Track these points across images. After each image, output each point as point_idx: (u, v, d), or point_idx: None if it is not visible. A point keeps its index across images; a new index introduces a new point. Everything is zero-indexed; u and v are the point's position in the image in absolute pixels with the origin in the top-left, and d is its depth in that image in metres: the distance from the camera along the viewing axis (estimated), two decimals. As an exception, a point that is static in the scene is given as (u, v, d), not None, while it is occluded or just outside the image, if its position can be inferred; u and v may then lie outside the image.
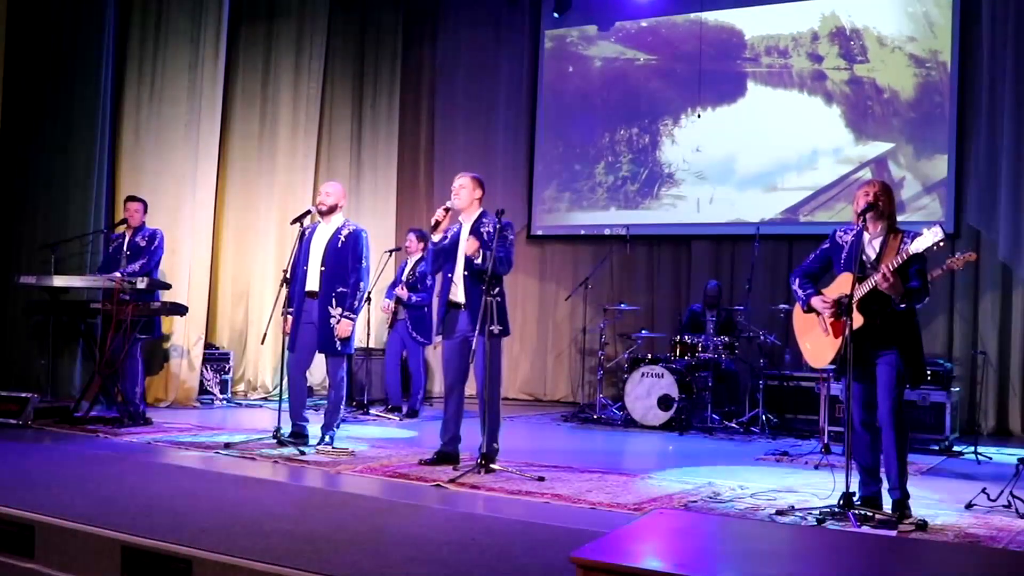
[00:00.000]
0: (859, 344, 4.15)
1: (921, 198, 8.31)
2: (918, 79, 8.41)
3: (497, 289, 5.09)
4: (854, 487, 4.17)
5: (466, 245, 5.16)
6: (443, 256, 5.32)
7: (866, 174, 8.43)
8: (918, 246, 4.00)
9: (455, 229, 5.37)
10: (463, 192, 5.33)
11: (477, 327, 4.99)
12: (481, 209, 5.37)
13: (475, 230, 5.25)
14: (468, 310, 5.19)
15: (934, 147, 8.31)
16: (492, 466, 5.00)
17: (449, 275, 5.30)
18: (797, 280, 4.53)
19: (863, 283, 4.14)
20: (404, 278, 7.81)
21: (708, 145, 9.29)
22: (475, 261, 5.08)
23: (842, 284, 4.30)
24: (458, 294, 5.24)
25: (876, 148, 8.56)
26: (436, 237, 5.29)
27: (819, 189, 8.76)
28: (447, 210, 5.28)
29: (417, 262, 7.77)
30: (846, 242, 4.37)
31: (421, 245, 7.82)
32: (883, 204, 4.24)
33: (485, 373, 5.08)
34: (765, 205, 8.97)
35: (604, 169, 9.83)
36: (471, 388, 5.36)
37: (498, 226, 5.16)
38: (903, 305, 4.09)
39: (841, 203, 8.49)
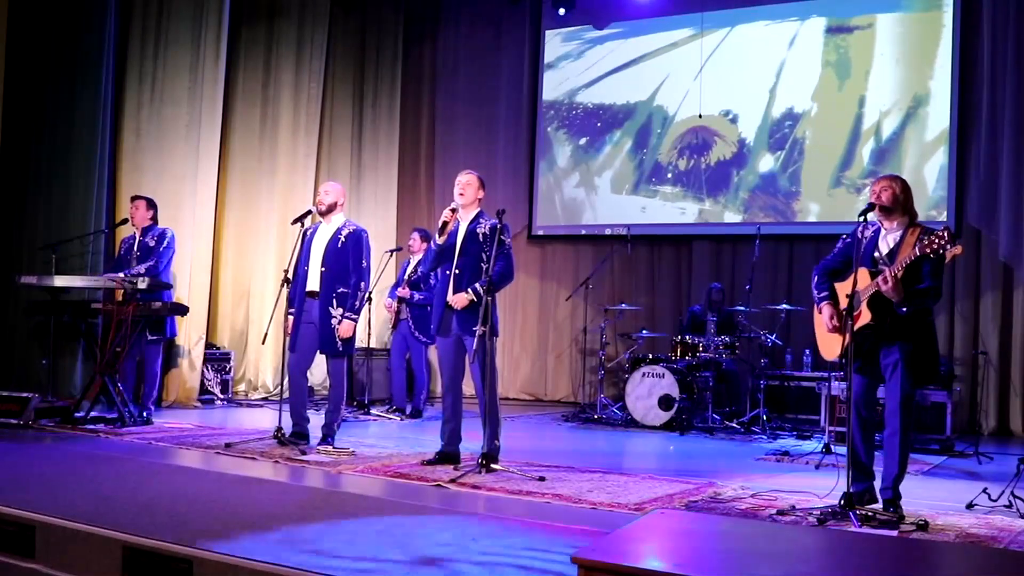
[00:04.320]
0: (869, 340, 4.14)
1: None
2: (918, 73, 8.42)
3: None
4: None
5: (456, 301, 5.16)
6: (443, 256, 5.32)
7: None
8: (924, 248, 3.98)
9: (452, 228, 5.36)
10: (468, 190, 5.29)
11: (473, 327, 5.01)
12: (479, 208, 5.36)
13: (470, 233, 5.25)
14: (458, 310, 5.19)
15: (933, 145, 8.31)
16: (493, 466, 4.99)
17: (447, 273, 5.30)
18: (816, 278, 4.56)
19: (870, 282, 4.14)
20: (406, 277, 7.81)
21: (710, 143, 9.29)
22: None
23: (855, 278, 4.31)
24: (450, 294, 5.24)
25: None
26: (441, 240, 5.26)
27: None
28: (454, 211, 5.22)
29: (419, 262, 7.76)
30: (866, 237, 4.37)
31: (424, 245, 7.80)
32: (899, 199, 4.23)
33: (479, 372, 5.09)
34: (769, 205, 8.98)
35: (605, 169, 9.83)
36: (470, 388, 5.35)
37: (498, 227, 5.15)
38: (904, 309, 4.08)
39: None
